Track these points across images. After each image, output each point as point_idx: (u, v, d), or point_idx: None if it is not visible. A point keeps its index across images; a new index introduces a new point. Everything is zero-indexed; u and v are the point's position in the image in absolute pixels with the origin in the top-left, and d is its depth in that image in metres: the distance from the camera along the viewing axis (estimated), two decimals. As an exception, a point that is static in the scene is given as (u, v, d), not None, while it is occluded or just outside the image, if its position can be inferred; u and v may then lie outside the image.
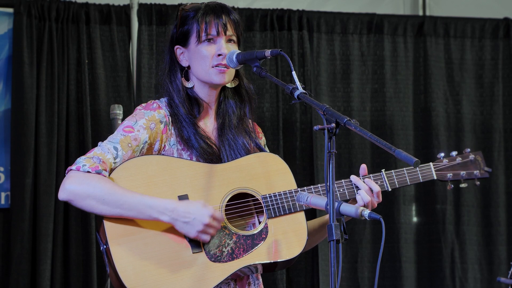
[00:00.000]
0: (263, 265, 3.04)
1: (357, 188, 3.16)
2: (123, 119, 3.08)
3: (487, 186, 6.35)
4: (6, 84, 5.77)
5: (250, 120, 3.25)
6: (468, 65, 6.44)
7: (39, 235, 5.61)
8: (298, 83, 2.91)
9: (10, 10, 5.79)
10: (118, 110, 4.55)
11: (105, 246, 2.95)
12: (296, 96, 2.89)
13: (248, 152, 3.16)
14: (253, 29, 6.13)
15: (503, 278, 4.53)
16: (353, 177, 3.18)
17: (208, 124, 3.19)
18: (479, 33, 6.45)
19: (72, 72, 5.82)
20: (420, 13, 6.58)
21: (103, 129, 5.75)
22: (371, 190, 3.15)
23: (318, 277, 6.00)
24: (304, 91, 2.89)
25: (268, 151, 3.26)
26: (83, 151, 5.65)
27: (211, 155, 3.10)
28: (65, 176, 2.99)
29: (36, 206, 5.65)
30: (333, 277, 2.65)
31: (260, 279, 3.18)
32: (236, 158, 3.12)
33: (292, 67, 2.95)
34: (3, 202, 5.73)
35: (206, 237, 2.95)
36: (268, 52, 3.00)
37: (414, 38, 6.39)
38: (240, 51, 3.09)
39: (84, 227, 5.70)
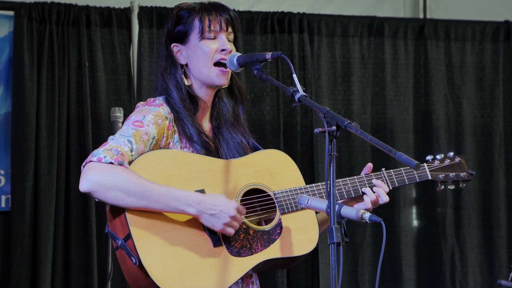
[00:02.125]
0: (277, 260, 3.06)
1: (371, 184, 3.18)
2: (123, 122, 3.04)
3: (487, 189, 6.35)
4: (7, 87, 5.77)
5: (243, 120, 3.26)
6: (468, 68, 6.44)
7: (40, 238, 5.60)
8: (299, 85, 2.91)
9: (11, 13, 5.78)
10: (118, 113, 4.53)
11: (123, 241, 2.87)
12: (296, 99, 2.89)
13: (244, 151, 3.17)
14: (253, 32, 6.11)
15: (504, 281, 4.54)
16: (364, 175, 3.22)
17: (205, 124, 3.19)
18: (480, 36, 6.46)
19: (73, 75, 5.82)
20: (421, 15, 6.59)
21: (104, 132, 5.75)
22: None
23: (319, 280, 6.00)
24: (304, 93, 2.89)
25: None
26: (83, 154, 5.65)
27: (212, 152, 3.10)
28: (81, 169, 2.88)
29: (36, 209, 5.64)
30: (333, 280, 2.65)
31: (258, 280, 3.19)
32: (234, 157, 3.12)
33: (293, 70, 2.95)
34: (3, 205, 5.73)
35: (231, 230, 2.93)
36: (269, 55, 3.00)
37: (415, 41, 6.39)
38: (240, 54, 3.08)
39: (85, 230, 5.69)
